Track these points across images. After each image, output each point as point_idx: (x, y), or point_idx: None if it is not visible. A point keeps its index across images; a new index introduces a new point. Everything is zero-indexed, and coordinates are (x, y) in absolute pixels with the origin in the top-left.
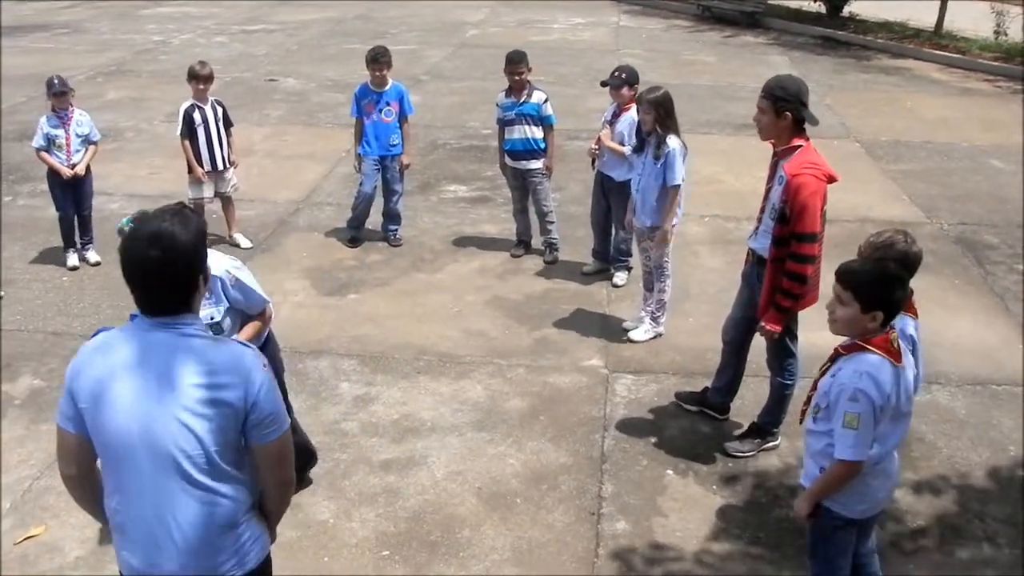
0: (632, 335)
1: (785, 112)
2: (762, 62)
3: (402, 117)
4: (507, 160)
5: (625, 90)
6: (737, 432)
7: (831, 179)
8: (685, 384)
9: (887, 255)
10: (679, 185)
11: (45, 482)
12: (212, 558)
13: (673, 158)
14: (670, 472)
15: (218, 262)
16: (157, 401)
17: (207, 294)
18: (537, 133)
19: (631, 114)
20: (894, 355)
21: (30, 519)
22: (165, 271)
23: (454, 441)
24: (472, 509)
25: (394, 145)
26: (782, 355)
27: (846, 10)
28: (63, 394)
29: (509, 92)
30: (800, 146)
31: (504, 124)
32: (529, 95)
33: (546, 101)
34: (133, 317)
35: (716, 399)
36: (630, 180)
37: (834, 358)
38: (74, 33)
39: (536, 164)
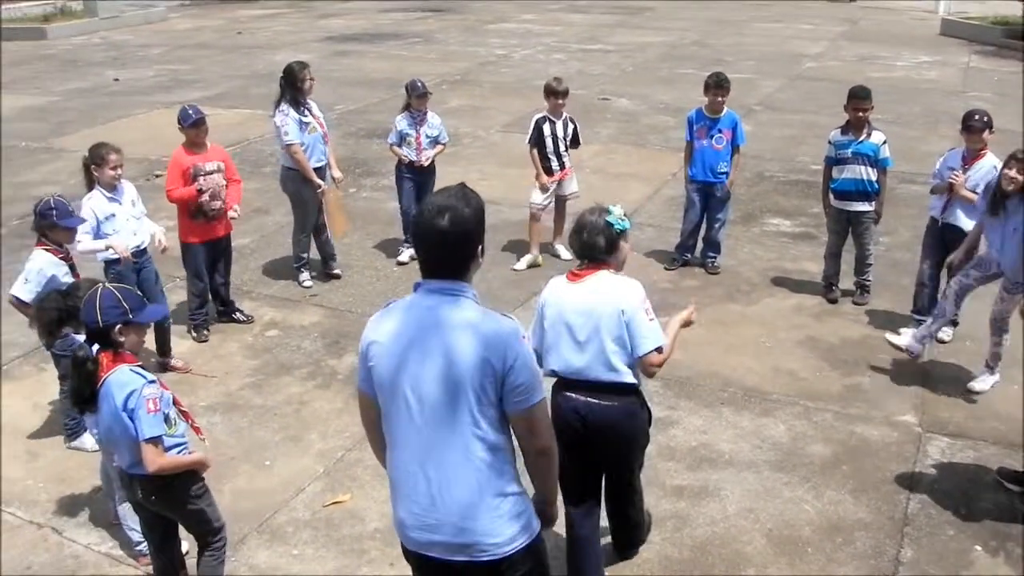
0: (973, 385)
1: None
2: None
3: (733, 145)
4: (833, 200)
5: (986, 134)
6: None
7: None
8: (1006, 455)
9: None
10: None
11: (356, 454)
12: (473, 520)
13: None
14: (978, 548)
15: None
16: (425, 361)
17: None
18: (871, 175)
19: (987, 161)
20: None
21: (338, 486)
22: (447, 238)
23: (750, 477)
24: (760, 549)
25: (722, 173)
26: None
27: None
28: (360, 357)
29: (846, 129)
30: None
31: (835, 163)
32: (868, 134)
33: (885, 142)
34: (416, 287)
35: None
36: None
37: None
38: (425, 43)
39: (866, 207)
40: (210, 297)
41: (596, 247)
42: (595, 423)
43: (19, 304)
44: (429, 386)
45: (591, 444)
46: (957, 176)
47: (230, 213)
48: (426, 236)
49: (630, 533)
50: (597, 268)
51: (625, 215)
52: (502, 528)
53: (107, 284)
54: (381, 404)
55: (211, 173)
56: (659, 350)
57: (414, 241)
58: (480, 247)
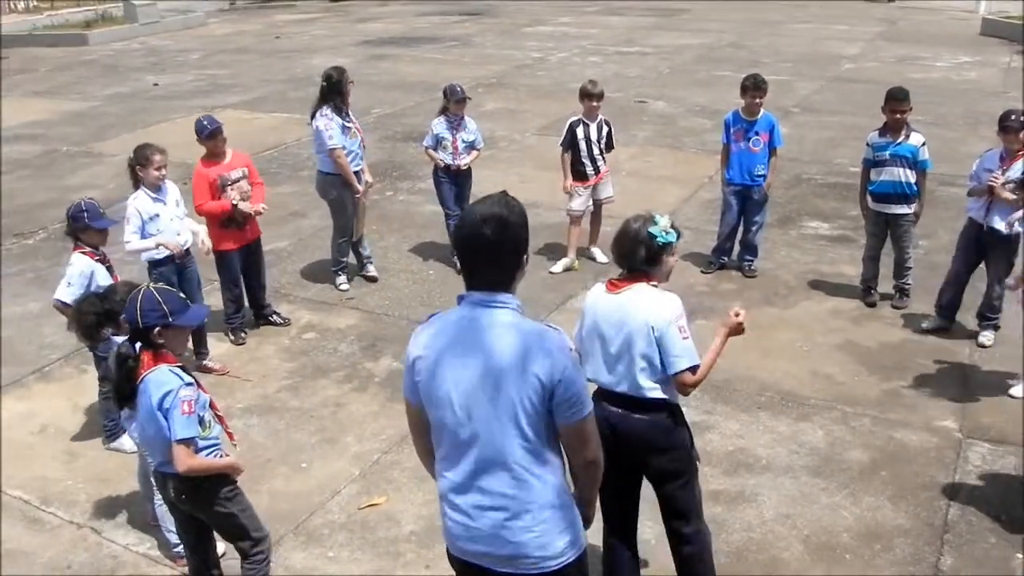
0: (1014, 390)
1: None
2: None
3: (770, 148)
4: (871, 203)
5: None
6: None
7: None
8: None
9: None
10: None
11: (392, 456)
12: (522, 533)
13: None
14: (1020, 556)
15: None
16: (473, 374)
17: None
18: (910, 177)
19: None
20: None
21: (374, 488)
22: (492, 246)
23: (787, 483)
24: (797, 555)
25: (759, 176)
26: None
27: None
28: (405, 369)
29: (884, 131)
30: None
31: (873, 165)
32: (907, 136)
33: (923, 144)
34: (460, 299)
35: None
36: (1019, 233)
37: None
38: (462, 46)
39: (905, 210)
40: (246, 302)
41: (635, 257)
42: (624, 433)
43: (63, 307)
44: (476, 398)
45: (620, 453)
46: (996, 178)
47: (256, 207)
48: (470, 245)
49: (691, 569)
50: (636, 279)
51: (672, 226)
52: (552, 541)
53: (150, 286)
54: (429, 416)
55: (238, 180)
56: (693, 370)
57: (457, 251)
58: (525, 256)
